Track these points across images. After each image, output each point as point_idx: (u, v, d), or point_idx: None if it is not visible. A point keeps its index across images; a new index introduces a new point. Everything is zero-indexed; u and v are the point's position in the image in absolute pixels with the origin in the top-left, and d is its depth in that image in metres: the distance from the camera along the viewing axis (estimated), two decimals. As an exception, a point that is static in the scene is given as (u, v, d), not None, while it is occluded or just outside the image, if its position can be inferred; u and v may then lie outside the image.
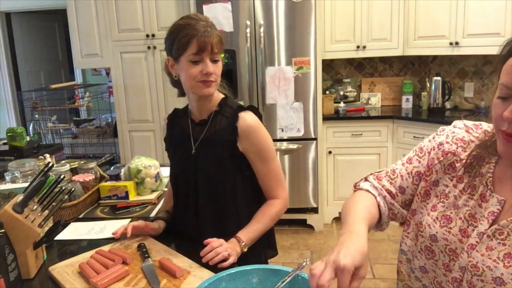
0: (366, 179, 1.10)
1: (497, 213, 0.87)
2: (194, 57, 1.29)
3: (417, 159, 1.04)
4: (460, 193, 0.93)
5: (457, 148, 0.97)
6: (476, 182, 0.92)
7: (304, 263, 0.95)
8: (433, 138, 1.03)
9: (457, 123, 1.02)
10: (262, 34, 3.32)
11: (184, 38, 1.28)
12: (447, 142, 0.99)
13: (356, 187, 1.10)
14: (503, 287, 0.81)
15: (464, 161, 0.95)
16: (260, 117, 1.42)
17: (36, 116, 3.78)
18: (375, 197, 1.03)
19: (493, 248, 0.85)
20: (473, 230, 0.88)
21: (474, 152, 0.94)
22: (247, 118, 1.37)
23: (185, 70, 1.32)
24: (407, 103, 3.87)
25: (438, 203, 0.97)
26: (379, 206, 1.03)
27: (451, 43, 3.31)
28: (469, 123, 1.01)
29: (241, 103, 1.47)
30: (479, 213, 0.89)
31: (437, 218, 0.95)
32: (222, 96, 1.44)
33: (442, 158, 0.98)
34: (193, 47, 1.28)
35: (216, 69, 1.32)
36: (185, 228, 1.45)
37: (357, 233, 0.85)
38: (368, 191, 1.05)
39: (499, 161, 0.91)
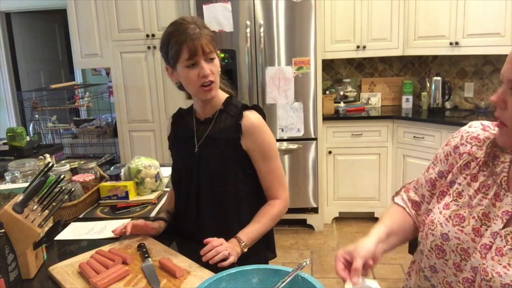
0: (398, 193, 1.19)
1: None
2: (189, 62, 1.30)
3: (432, 167, 1.08)
4: (475, 193, 0.93)
5: (471, 147, 0.97)
6: (490, 181, 0.91)
7: (304, 263, 0.95)
8: (448, 143, 1.05)
9: (474, 123, 1.03)
10: (262, 34, 3.32)
11: (174, 46, 1.29)
12: (462, 144, 0.99)
13: (393, 201, 1.20)
14: None
15: (479, 159, 0.95)
16: (264, 116, 1.43)
17: (36, 116, 3.78)
18: (404, 208, 1.13)
19: (504, 254, 0.83)
20: (486, 229, 0.87)
21: (489, 149, 0.93)
22: (251, 117, 1.38)
23: (183, 76, 1.33)
24: (407, 103, 3.87)
25: (451, 202, 0.96)
26: (410, 215, 1.12)
27: (451, 43, 3.31)
28: (487, 122, 1.01)
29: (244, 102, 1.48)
30: (492, 212, 0.88)
31: (449, 217, 0.94)
32: (227, 95, 1.45)
33: (459, 161, 0.98)
34: (185, 53, 1.28)
35: (212, 68, 1.32)
36: (186, 227, 1.45)
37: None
38: (398, 204, 1.15)
39: None
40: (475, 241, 0.88)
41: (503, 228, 0.85)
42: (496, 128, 0.95)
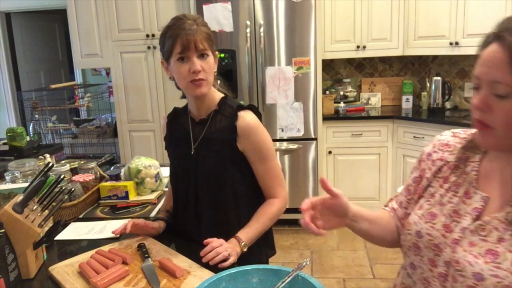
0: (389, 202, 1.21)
1: (481, 210, 0.89)
2: (180, 56, 1.30)
3: (409, 176, 1.12)
4: (446, 192, 0.97)
5: (443, 153, 1.02)
6: (461, 180, 0.96)
7: (304, 263, 0.95)
8: (421, 151, 1.10)
9: (445, 132, 1.08)
10: (262, 34, 3.32)
11: (169, 39, 1.30)
12: (434, 151, 1.04)
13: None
14: (482, 282, 0.82)
15: (450, 163, 0.99)
16: (259, 116, 1.42)
17: (36, 116, 3.78)
18: (390, 212, 1.15)
19: (474, 244, 0.87)
20: (456, 225, 0.91)
21: (460, 154, 0.98)
22: (247, 118, 1.37)
23: (175, 70, 1.33)
24: (407, 103, 3.87)
25: (424, 203, 1.01)
26: (394, 218, 1.13)
27: (451, 43, 3.31)
28: (458, 129, 1.06)
29: (241, 102, 1.47)
30: (463, 209, 0.92)
31: (422, 215, 0.98)
32: (222, 95, 1.44)
33: (432, 167, 1.03)
34: (178, 47, 1.29)
35: (205, 65, 1.31)
36: (185, 228, 1.45)
37: None
38: (384, 209, 1.19)
39: (484, 158, 0.95)
40: (445, 236, 0.91)
41: (472, 223, 0.89)
42: (470, 131, 1.00)
